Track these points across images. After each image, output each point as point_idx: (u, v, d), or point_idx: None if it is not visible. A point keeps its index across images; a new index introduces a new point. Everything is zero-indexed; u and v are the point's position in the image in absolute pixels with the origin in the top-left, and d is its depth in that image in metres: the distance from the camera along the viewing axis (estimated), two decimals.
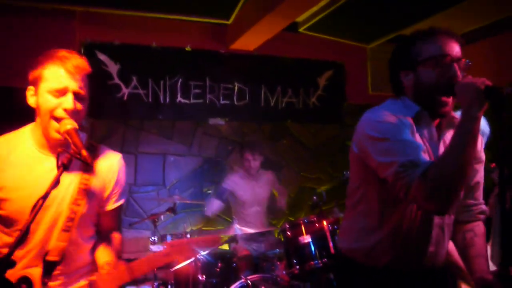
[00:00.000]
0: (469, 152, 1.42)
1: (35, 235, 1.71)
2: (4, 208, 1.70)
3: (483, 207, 1.88)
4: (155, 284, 3.66)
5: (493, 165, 2.86)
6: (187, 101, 4.86)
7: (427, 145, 1.68)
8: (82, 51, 4.37)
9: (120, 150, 2.31)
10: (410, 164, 1.47)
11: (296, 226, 3.42)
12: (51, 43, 1.84)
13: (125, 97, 4.61)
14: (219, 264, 3.63)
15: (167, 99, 4.78)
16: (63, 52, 1.69)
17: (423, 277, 1.78)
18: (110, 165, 1.87)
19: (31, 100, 1.70)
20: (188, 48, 4.87)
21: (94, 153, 1.82)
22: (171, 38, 4.81)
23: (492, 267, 2.34)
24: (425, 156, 1.55)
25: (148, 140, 4.77)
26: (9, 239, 1.73)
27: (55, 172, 1.52)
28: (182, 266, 3.53)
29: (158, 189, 4.80)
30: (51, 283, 1.75)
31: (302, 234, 3.33)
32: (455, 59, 1.61)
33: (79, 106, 1.68)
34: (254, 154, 4.47)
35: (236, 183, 4.53)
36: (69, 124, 1.61)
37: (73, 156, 1.48)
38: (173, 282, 3.73)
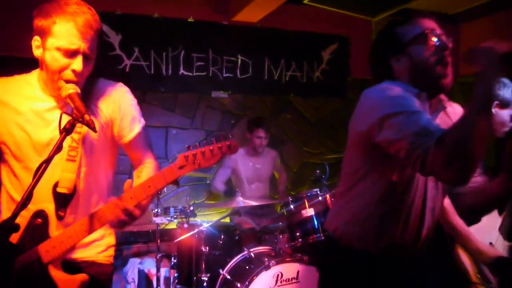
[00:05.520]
0: (484, 116, 1.36)
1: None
2: (6, 142, 1.69)
3: None
4: (158, 255, 3.67)
5: None
6: (189, 74, 4.79)
7: None
8: None
9: None
10: (424, 132, 1.42)
11: (299, 200, 3.41)
12: None
13: (127, 69, 4.55)
14: (222, 237, 3.63)
15: (170, 71, 4.71)
16: (74, 6, 1.60)
17: (414, 262, 1.78)
18: (108, 96, 1.81)
19: (36, 52, 1.64)
20: (190, 19, 4.78)
21: (93, 89, 1.77)
22: (173, 9, 4.70)
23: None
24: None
25: (150, 113, 4.71)
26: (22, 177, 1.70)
27: (54, 112, 1.58)
28: (185, 238, 3.55)
29: (160, 162, 4.65)
30: (67, 217, 1.70)
31: (305, 208, 3.33)
32: (437, 33, 1.65)
33: (86, 67, 1.65)
34: (267, 132, 4.33)
35: (238, 159, 4.42)
36: (71, 88, 1.56)
37: (76, 120, 1.45)
38: (176, 253, 3.74)
